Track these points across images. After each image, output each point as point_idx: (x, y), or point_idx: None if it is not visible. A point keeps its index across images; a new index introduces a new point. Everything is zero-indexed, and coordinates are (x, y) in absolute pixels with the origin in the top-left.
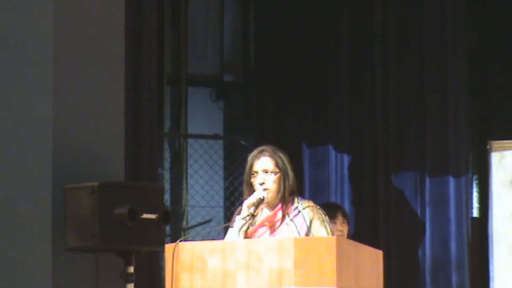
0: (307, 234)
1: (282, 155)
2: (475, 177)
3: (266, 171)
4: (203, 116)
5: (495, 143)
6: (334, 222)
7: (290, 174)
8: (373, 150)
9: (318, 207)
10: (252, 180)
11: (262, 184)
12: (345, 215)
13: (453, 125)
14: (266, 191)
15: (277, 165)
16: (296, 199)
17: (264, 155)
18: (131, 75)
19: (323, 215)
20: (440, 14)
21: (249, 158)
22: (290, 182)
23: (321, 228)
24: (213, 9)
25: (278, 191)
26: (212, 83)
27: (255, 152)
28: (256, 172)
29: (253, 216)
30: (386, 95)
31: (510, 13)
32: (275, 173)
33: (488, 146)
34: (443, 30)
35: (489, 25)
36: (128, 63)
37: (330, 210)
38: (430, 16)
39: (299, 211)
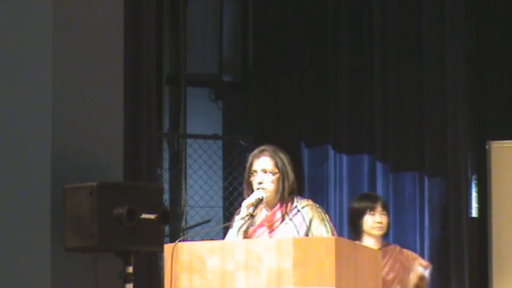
0: (307, 234)
1: (282, 156)
2: (474, 177)
3: (265, 171)
4: (202, 116)
5: (494, 143)
6: (373, 214)
7: (290, 175)
8: (372, 150)
9: (317, 205)
10: (251, 179)
11: (260, 183)
12: (384, 206)
13: (452, 125)
14: (264, 190)
15: (276, 165)
16: (295, 198)
17: (264, 155)
18: (130, 75)
19: (322, 214)
20: (439, 14)
21: (250, 157)
22: (290, 183)
23: (320, 227)
24: (212, 9)
25: (277, 192)
26: (211, 83)
27: (256, 151)
28: (255, 171)
29: (252, 216)
30: (385, 95)
31: (509, 13)
32: (274, 174)
33: (487, 146)
34: (442, 30)
35: (488, 25)
36: (126, 63)
37: (369, 201)
38: (429, 16)
39: (298, 210)
